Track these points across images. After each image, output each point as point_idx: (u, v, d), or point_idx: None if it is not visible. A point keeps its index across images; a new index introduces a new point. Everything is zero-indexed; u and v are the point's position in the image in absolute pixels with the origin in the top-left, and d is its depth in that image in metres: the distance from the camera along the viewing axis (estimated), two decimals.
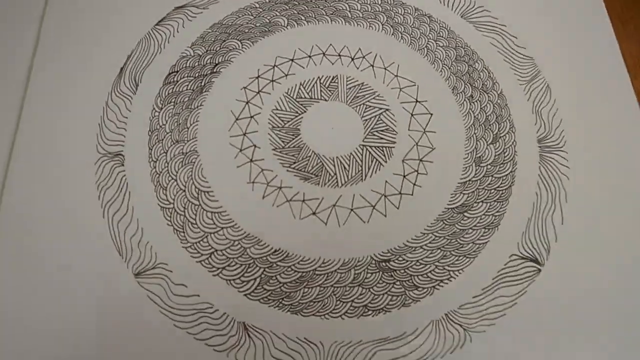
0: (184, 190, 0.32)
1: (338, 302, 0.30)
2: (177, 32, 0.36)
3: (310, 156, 0.33)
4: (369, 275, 0.30)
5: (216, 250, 0.31)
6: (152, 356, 0.28)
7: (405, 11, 0.38)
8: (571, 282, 0.31)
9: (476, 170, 0.33)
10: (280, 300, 0.30)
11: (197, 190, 0.32)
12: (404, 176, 0.33)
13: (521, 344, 0.29)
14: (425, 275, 0.31)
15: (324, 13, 0.38)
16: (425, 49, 0.37)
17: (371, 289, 0.30)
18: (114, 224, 0.31)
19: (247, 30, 0.37)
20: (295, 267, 0.30)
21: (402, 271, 0.31)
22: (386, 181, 0.33)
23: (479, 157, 0.34)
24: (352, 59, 0.36)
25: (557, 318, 0.30)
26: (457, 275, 0.31)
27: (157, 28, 0.36)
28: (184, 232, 0.31)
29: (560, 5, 0.38)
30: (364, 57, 0.36)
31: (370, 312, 0.30)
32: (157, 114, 0.34)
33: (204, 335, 0.29)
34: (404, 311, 0.30)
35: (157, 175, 0.32)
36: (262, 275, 0.30)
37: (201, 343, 0.28)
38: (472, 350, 0.29)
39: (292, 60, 0.36)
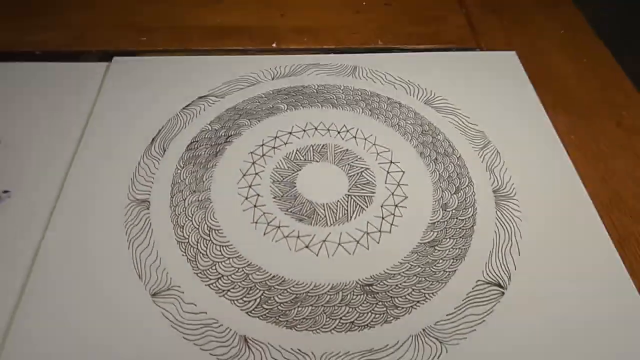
0: (198, 228, 0.38)
1: (328, 319, 0.34)
2: (199, 114, 0.46)
3: (304, 202, 0.40)
4: (354, 297, 0.35)
5: (223, 276, 0.36)
6: None
7: (380, 99, 0.48)
8: (531, 302, 0.35)
9: (443, 213, 0.40)
10: (277, 317, 0.34)
11: (208, 228, 0.38)
12: (383, 218, 0.39)
13: (491, 356, 0.33)
14: (404, 297, 0.35)
15: (316, 101, 0.48)
16: (397, 125, 0.46)
17: (357, 308, 0.34)
18: (137, 254, 0.36)
19: (254, 113, 0.46)
20: (291, 289, 0.35)
21: (384, 293, 0.35)
22: (368, 222, 0.39)
23: (445, 203, 0.40)
24: (339, 132, 0.45)
25: (522, 332, 0.34)
26: (431, 297, 0.35)
27: (184, 111, 0.46)
28: (195, 261, 0.36)
29: (500, 92, 0.49)
30: (347, 130, 0.45)
31: (356, 328, 0.34)
32: (179, 171, 0.42)
33: (209, 346, 0.32)
34: (386, 327, 0.34)
35: (176, 217, 0.39)
36: (262, 296, 0.35)
37: (206, 353, 0.32)
38: None
39: (290, 133, 0.45)
